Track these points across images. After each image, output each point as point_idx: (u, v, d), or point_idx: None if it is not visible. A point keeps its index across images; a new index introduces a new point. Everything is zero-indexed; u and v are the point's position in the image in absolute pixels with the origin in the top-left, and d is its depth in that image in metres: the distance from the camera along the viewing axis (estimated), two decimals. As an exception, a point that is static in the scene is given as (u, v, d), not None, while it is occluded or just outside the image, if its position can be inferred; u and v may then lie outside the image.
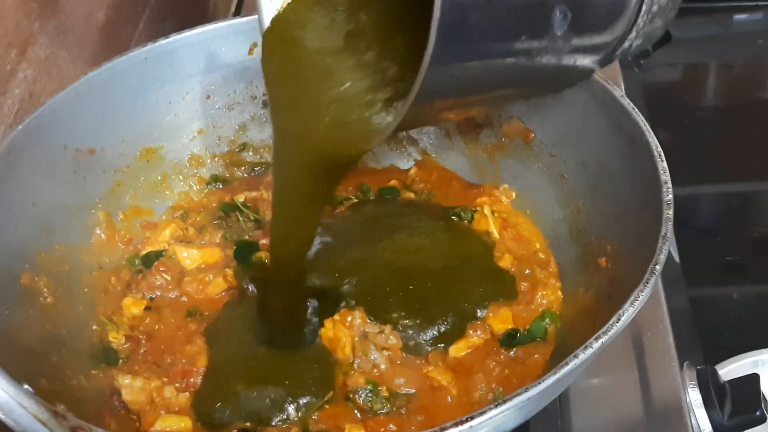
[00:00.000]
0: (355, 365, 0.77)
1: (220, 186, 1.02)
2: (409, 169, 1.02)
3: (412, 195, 0.98)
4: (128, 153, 0.95)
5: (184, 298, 0.88)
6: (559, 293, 0.85)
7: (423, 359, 0.79)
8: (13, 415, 0.54)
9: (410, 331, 0.80)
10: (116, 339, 0.84)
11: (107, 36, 1.11)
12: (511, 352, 0.80)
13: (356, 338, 0.78)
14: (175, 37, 0.95)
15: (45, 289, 0.81)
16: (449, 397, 0.76)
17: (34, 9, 0.95)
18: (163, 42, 0.95)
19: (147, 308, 0.87)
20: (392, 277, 0.85)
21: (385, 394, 0.75)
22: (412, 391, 0.76)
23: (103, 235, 0.91)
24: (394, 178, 1.01)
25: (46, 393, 0.68)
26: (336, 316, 0.80)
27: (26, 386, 0.56)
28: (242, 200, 0.98)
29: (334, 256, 0.88)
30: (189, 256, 0.91)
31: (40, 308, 0.80)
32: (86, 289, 0.87)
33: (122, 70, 0.92)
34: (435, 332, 0.80)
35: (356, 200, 0.98)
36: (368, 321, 0.79)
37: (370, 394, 0.75)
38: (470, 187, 0.98)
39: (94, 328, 0.84)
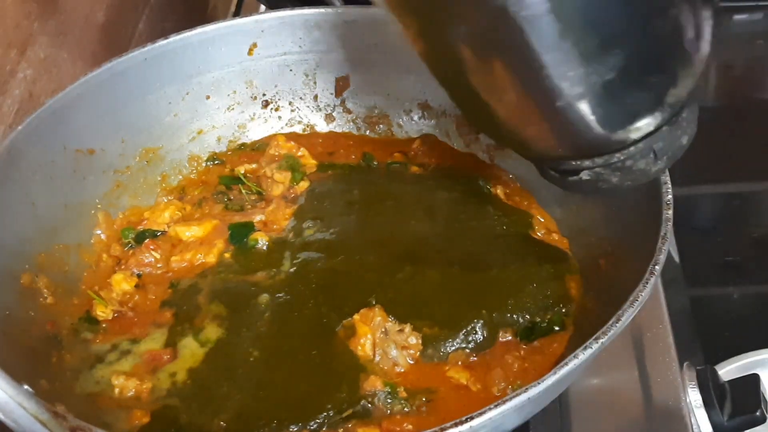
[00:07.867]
0: (376, 360, 0.76)
1: (219, 162, 1.01)
2: (412, 141, 1.01)
3: (416, 169, 0.97)
4: (128, 153, 0.95)
5: (170, 274, 0.87)
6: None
7: (442, 360, 0.77)
8: (13, 416, 0.54)
9: (434, 342, 0.77)
10: (104, 313, 0.83)
11: (107, 36, 1.11)
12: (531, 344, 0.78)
13: (377, 335, 0.77)
14: (174, 38, 0.95)
15: (45, 290, 0.81)
16: (468, 395, 0.74)
17: (34, 9, 0.96)
18: (162, 42, 0.95)
19: (136, 285, 0.86)
20: (425, 272, 0.82)
21: (404, 395, 0.73)
22: (432, 390, 0.74)
23: (103, 236, 0.91)
24: (398, 150, 1.00)
25: (46, 394, 0.68)
26: (356, 316, 0.78)
27: (26, 387, 0.56)
28: (243, 172, 0.97)
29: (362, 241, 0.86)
30: (191, 234, 0.90)
31: (40, 309, 0.80)
32: (86, 290, 0.86)
33: (122, 71, 0.92)
34: (461, 342, 0.77)
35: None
36: (389, 320, 0.78)
37: (389, 397, 0.73)
38: (480, 164, 0.97)
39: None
